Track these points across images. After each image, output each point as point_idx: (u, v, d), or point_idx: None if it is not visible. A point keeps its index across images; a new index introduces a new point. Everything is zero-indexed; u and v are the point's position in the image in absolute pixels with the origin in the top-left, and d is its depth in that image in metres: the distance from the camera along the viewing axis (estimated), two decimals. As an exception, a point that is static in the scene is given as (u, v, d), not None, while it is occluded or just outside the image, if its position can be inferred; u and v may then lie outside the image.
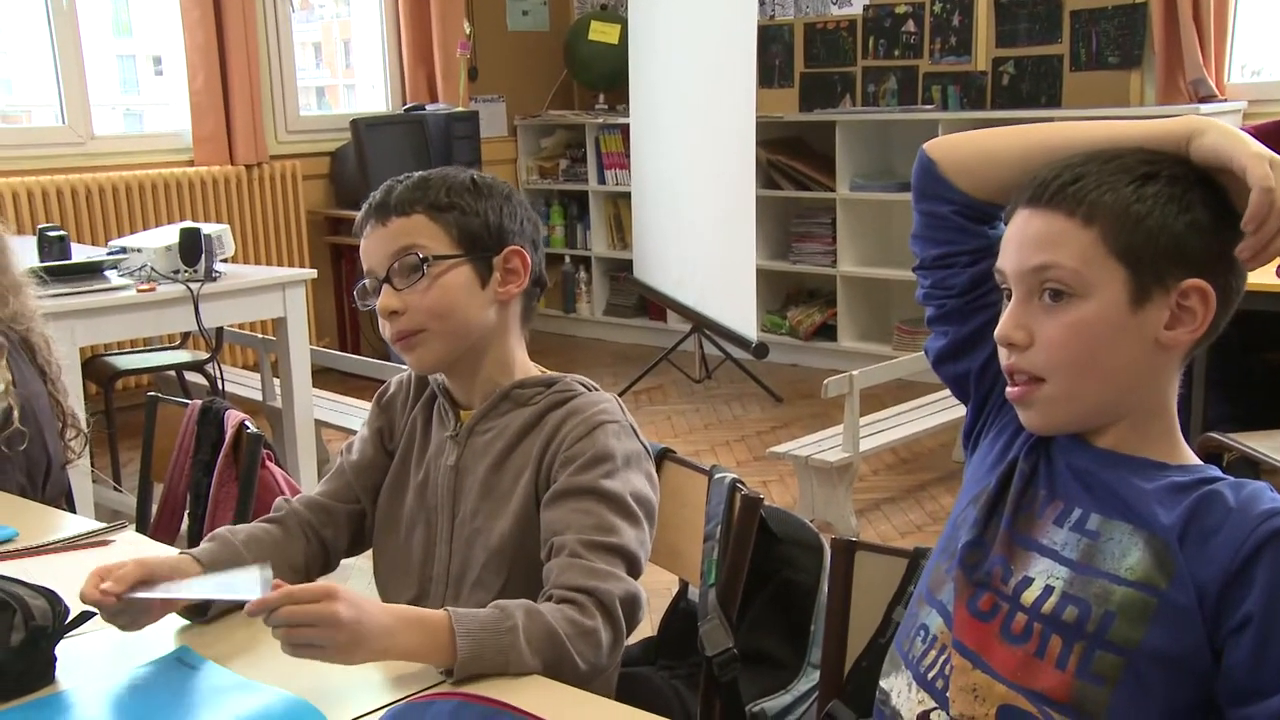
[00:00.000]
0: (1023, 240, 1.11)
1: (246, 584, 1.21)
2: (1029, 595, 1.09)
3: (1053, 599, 1.07)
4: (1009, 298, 1.13)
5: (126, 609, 1.29)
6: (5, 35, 5.38)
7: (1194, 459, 1.13)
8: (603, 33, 6.33)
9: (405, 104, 6.11)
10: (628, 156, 6.04)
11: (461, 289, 1.45)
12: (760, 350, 4.92)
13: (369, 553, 1.60)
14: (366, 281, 1.50)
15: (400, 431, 1.58)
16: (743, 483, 1.52)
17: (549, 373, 1.53)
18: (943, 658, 1.13)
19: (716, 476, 1.54)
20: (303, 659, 1.15)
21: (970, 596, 1.13)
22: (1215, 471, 1.11)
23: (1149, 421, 1.12)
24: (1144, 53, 5.00)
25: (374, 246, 1.48)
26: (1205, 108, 4.62)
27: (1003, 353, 1.13)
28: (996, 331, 1.12)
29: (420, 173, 1.50)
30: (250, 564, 1.39)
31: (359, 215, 1.52)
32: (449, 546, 1.49)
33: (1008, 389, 1.14)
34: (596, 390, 1.51)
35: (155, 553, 1.42)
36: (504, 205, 1.49)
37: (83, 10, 5.08)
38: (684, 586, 1.71)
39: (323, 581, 1.22)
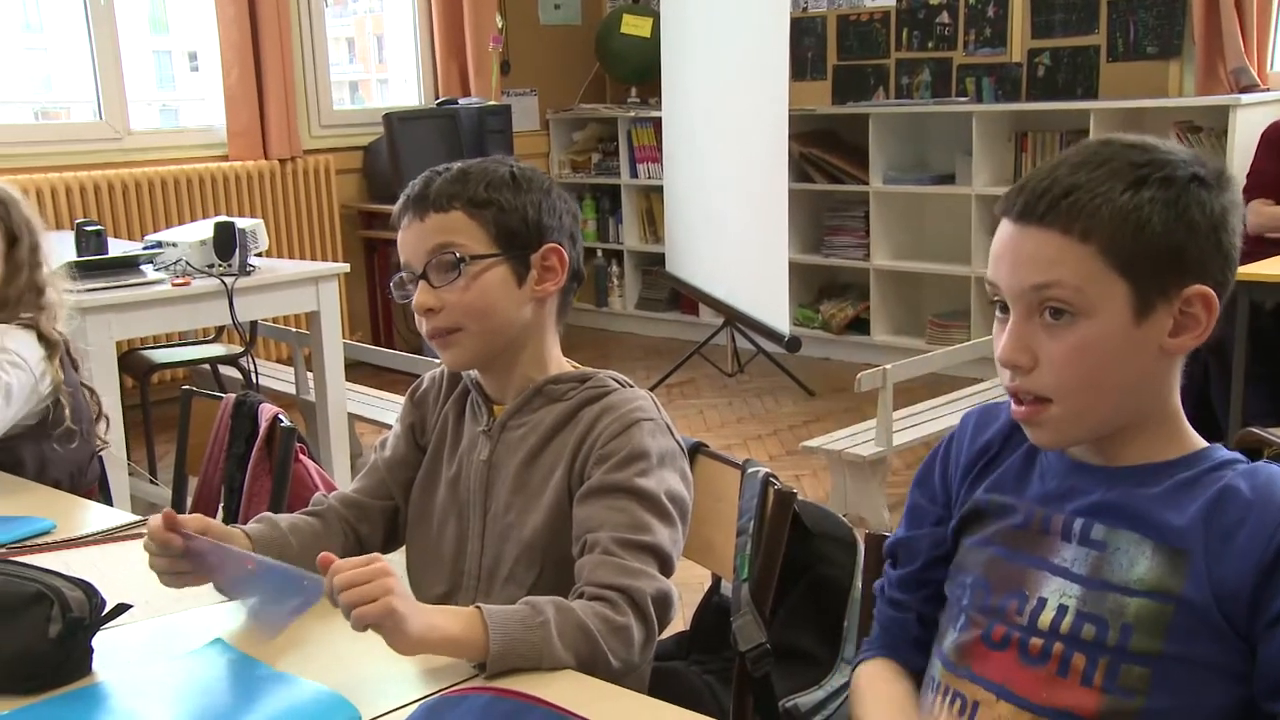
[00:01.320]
0: (1017, 257, 1.07)
1: (294, 594, 1.24)
2: (1045, 618, 1.08)
3: (1068, 618, 1.06)
4: (1002, 310, 1.09)
5: (177, 559, 1.34)
6: (45, 33, 5.44)
7: (1198, 442, 1.10)
8: (635, 26, 6.32)
9: (438, 98, 6.13)
10: (660, 150, 6.03)
11: (498, 288, 1.44)
12: (793, 344, 4.90)
13: (402, 549, 1.61)
14: (404, 274, 1.49)
15: (432, 427, 1.58)
16: (776, 477, 1.51)
17: (582, 368, 1.53)
18: (958, 704, 1.12)
19: (750, 471, 1.53)
20: (363, 630, 1.15)
21: (983, 632, 1.12)
22: (1221, 453, 1.09)
23: (1155, 424, 1.10)
24: (1183, 42, 4.94)
25: (411, 241, 1.47)
26: (1246, 98, 4.56)
27: (1004, 374, 1.10)
28: (998, 354, 1.09)
29: (460, 164, 1.49)
30: (295, 552, 1.43)
31: (397, 206, 1.51)
32: (481, 541, 1.49)
33: (1013, 408, 1.11)
34: (631, 386, 1.50)
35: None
36: (543, 200, 1.48)
37: (120, 7, 5.12)
38: (717, 581, 1.70)
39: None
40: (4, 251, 2.06)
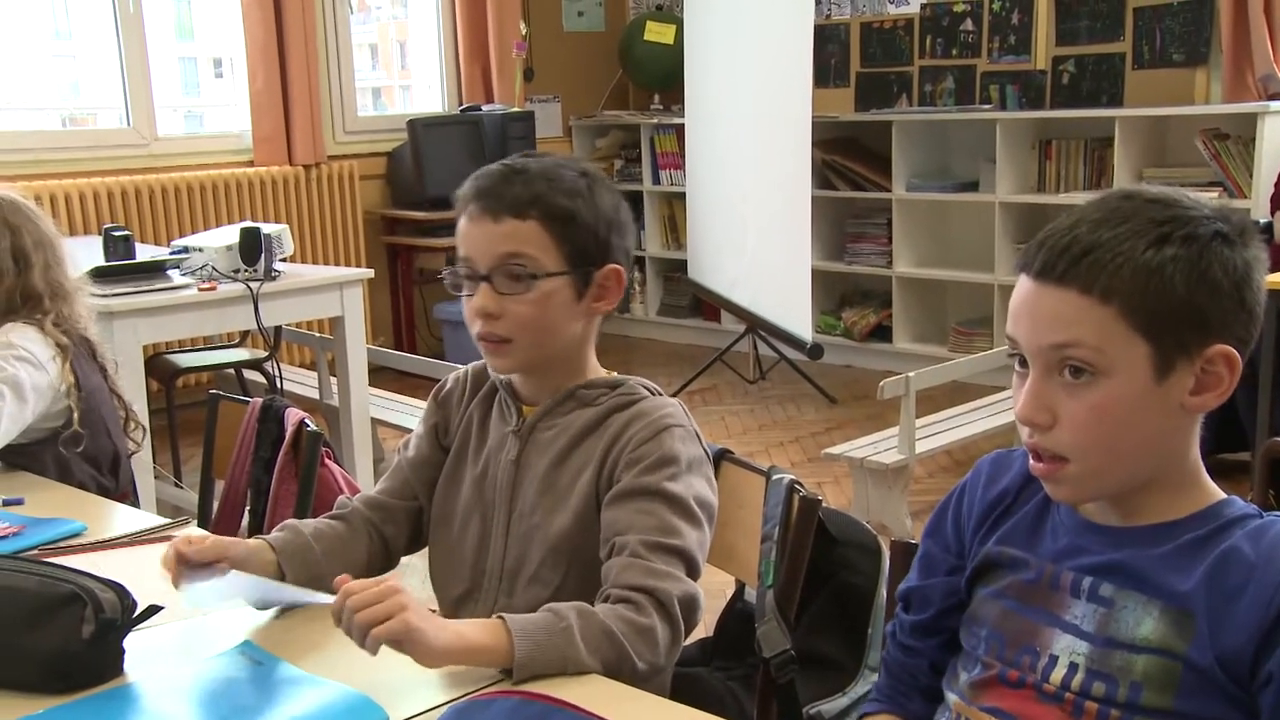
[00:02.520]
0: (1036, 315, 1.06)
1: (303, 594, 1.26)
2: (1056, 675, 1.08)
3: (1079, 676, 1.06)
4: (1021, 364, 1.09)
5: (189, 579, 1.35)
6: (74, 40, 5.49)
7: (1213, 495, 1.09)
8: (658, 33, 6.33)
9: (461, 104, 6.15)
10: (682, 156, 6.04)
11: (560, 304, 1.44)
12: (815, 351, 4.90)
13: (424, 550, 1.62)
14: (462, 268, 1.46)
15: (456, 427, 1.59)
16: (801, 484, 1.51)
17: (614, 374, 1.54)
18: None
19: (774, 477, 1.53)
20: (376, 652, 1.15)
21: (998, 673, 1.12)
22: (1234, 508, 1.07)
23: (1172, 481, 1.08)
24: (1210, 49, 4.92)
25: (480, 239, 1.43)
26: (1275, 105, 4.53)
27: (1023, 430, 1.09)
28: (1017, 411, 1.08)
29: (535, 163, 1.45)
30: (319, 557, 1.45)
31: (465, 190, 1.46)
32: (504, 541, 1.49)
33: (1031, 464, 1.11)
34: (661, 395, 1.51)
35: None
36: (613, 219, 1.47)
37: (148, 15, 5.17)
38: (740, 587, 1.70)
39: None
40: None
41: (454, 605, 1.52)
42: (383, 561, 1.57)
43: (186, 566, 1.36)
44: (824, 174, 5.66)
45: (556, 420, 1.49)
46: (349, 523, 1.55)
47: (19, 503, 1.80)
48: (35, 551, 1.60)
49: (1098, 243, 1.03)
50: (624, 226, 1.49)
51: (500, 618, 1.22)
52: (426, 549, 1.61)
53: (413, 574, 3.31)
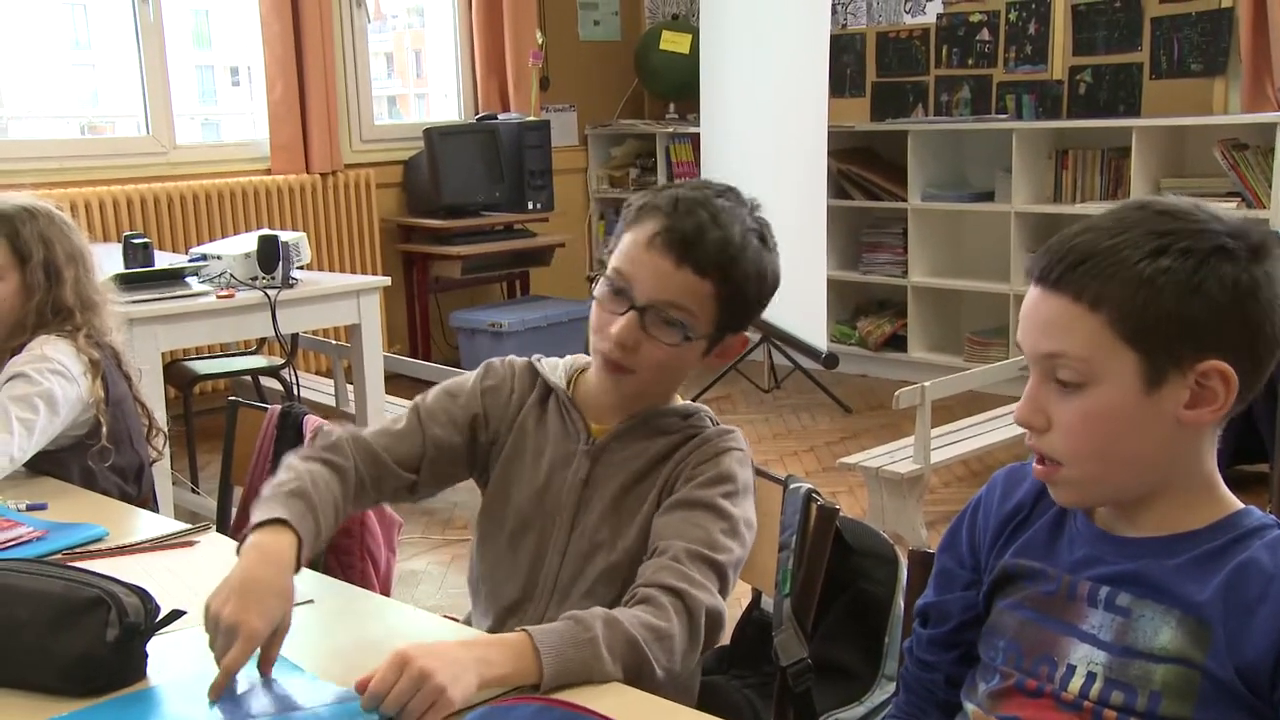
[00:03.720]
0: (1033, 322, 1.08)
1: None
2: (1074, 685, 1.08)
3: (1097, 685, 1.07)
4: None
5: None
6: (94, 50, 5.53)
7: (1230, 506, 1.09)
8: (674, 42, 6.35)
9: (477, 113, 6.18)
10: (698, 166, 6.04)
11: (692, 358, 1.47)
12: (830, 360, 4.90)
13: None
14: (617, 281, 1.43)
15: (505, 428, 1.55)
16: (818, 493, 1.52)
17: (687, 403, 1.55)
18: None
19: (792, 487, 1.54)
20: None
21: (1016, 682, 1.12)
22: (1252, 518, 1.07)
23: (1182, 492, 1.08)
24: (1229, 59, 4.91)
25: (651, 274, 1.41)
26: (1291, 116, 4.52)
27: (1026, 432, 1.11)
28: (1015, 414, 1.11)
29: (728, 216, 1.43)
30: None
31: (647, 208, 1.44)
32: (562, 555, 1.49)
33: (1034, 466, 1.12)
34: (720, 424, 1.53)
35: (234, 554, 1.39)
36: (768, 293, 1.48)
37: (167, 24, 5.20)
38: (757, 596, 1.71)
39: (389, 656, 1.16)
40: (17, 273, 2.03)
41: (506, 612, 1.52)
42: (354, 510, 1.52)
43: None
44: (839, 183, 5.67)
45: (630, 445, 1.50)
46: (345, 482, 1.45)
47: (43, 508, 1.81)
48: (59, 556, 1.61)
49: (1095, 251, 1.04)
50: (770, 298, 1.50)
51: (525, 632, 1.22)
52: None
53: (428, 581, 3.34)
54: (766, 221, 1.50)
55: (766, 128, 5.20)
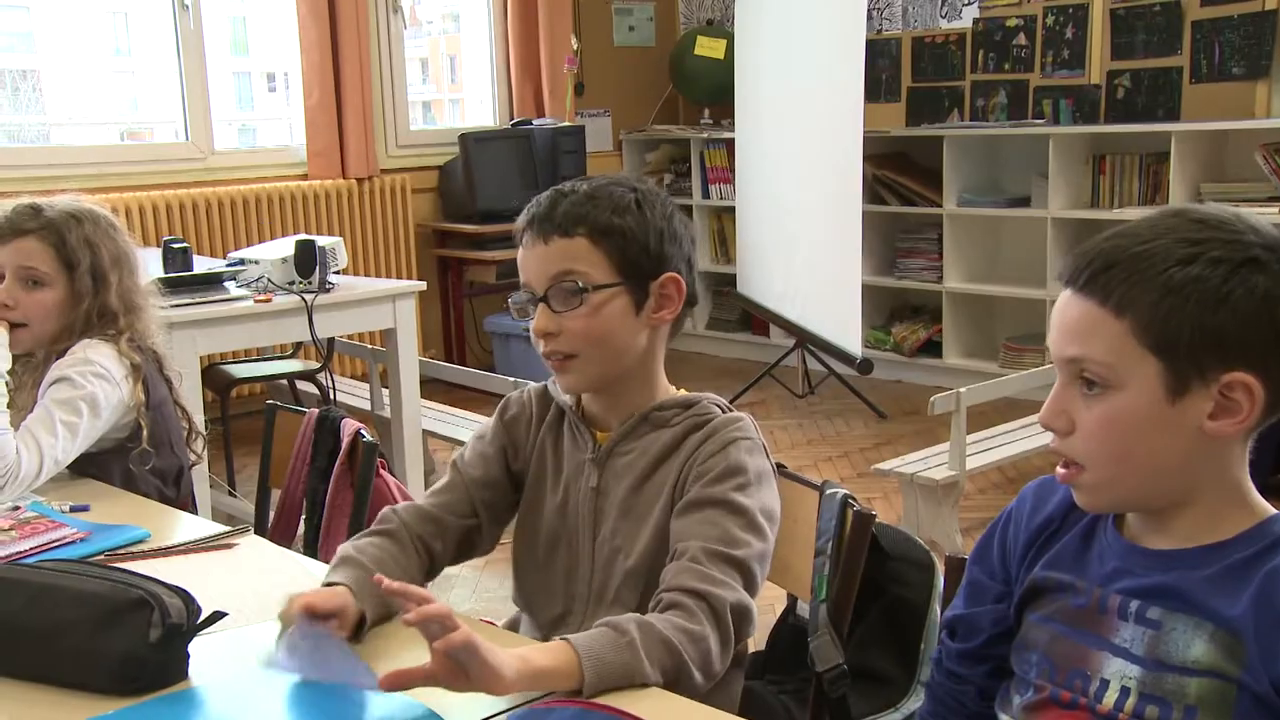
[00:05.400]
0: (1061, 325, 1.08)
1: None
2: (1108, 700, 1.07)
3: (1131, 700, 1.06)
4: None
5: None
6: (134, 57, 5.60)
7: (1262, 512, 1.07)
8: (709, 48, 6.35)
9: (512, 118, 6.20)
10: (732, 171, 6.05)
11: (617, 317, 1.46)
12: (865, 366, 4.88)
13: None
14: (523, 294, 1.50)
15: (528, 453, 1.58)
16: (855, 499, 1.51)
17: (687, 393, 1.54)
18: None
19: (828, 492, 1.53)
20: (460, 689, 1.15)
21: (1050, 694, 1.12)
22: None
23: (1211, 502, 1.07)
24: (1272, 63, 4.85)
25: (533, 263, 1.48)
26: (1333, 121, 4.47)
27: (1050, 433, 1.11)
28: (1039, 416, 1.11)
29: (584, 185, 1.49)
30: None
31: (519, 222, 1.51)
32: (591, 565, 1.50)
33: (1057, 469, 1.12)
34: (732, 410, 1.52)
35: (273, 556, 1.43)
36: (665, 227, 1.48)
37: (206, 31, 5.26)
38: (793, 601, 1.71)
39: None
40: (65, 280, 2.04)
41: (550, 627, 1.53)
42: (426, 576, 1.55)
43: (310, 616, 1.29)
44: (874, 189, 5.65)
45: (633, 444, 1.50)
46: (398, 541, 1.50)
47: (85, 509, 1.84)
48: (101, 557, 1.63)
49: (1124, 256, 1.03)
50: (677, 235, 1.50)
51: (565, 639, 1.23)
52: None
53: (463, 585, 3.35)
54: (639, 182, 1.51)
55: (801, 133, 5.19)
